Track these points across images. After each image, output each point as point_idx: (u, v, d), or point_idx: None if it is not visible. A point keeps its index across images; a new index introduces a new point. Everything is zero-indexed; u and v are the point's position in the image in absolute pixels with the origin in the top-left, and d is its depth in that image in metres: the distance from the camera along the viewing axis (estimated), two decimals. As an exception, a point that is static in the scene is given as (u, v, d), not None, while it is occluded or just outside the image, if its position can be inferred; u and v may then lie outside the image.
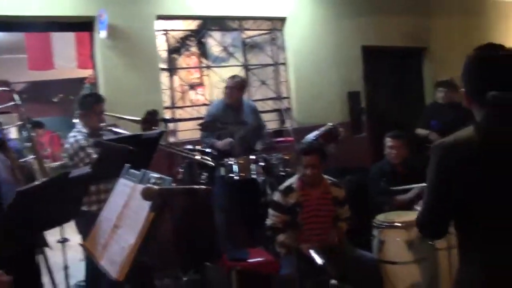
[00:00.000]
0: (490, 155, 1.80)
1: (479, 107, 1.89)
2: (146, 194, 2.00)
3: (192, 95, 7.02)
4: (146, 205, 2.05)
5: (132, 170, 2.48)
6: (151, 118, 4.13)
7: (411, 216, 4.05)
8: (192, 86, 6.50)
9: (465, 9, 8.55)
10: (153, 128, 4.16)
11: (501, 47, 1.92)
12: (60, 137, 10.56)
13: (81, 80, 9.51)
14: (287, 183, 4.21)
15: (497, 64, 1.87)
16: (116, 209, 2.37)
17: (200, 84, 6.99)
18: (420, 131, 6.30)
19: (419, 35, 7.82)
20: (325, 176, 4.24)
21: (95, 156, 3.73)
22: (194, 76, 7.12)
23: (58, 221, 3.09)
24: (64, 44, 7.46)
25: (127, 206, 2.29)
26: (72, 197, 2.85)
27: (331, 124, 5.33)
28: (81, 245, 2.96)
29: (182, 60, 6.39)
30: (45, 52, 7.59)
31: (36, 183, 2.72)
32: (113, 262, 2.14)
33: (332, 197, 4.19)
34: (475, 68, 1.90)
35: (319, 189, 4.18)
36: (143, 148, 3.64)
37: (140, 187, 2.12)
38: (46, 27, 5.72)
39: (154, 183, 2.11)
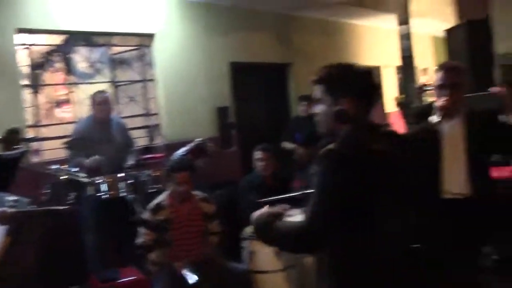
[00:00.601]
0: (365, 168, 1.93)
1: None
2: (0, 218, 1.95)
3: (59, 112, 6.78)
4: (1, 229, 1.99)
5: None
6: (11, 137, 3.95)
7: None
8: (58, 104, 6.27)
9: (323, 30, 9.18)
10: (14, 147, 3.99)
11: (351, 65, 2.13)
12: None
13: None
14: (156, 200, 4.23)
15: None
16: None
17: (67, 101, 6.75)
18: (286, 145, 6.61)
19: (283, 52, 8.22)
20: (195, 192, 4.32)
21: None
22: (61, 92, 6.87)
23: None
24: None
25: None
26: None
27: (199, 139, 5.43)
28: None
29: (48, 76, 6.15)
30: None
31: None
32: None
33: (202, 212, 4.27)
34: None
35: (189, 205, 4.24)
36: (2, 169, 3.48)
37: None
38: None
39: (9, 206, 2.06)
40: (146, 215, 4.17)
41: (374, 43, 10.54)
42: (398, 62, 7.34)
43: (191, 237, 4.19)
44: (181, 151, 5.30)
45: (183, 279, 3.84)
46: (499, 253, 4.59)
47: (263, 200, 4.61)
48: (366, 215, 1.92)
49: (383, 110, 10.11)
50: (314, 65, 8.12)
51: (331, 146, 1.96)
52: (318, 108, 2.13)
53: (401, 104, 7.64)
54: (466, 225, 3.18)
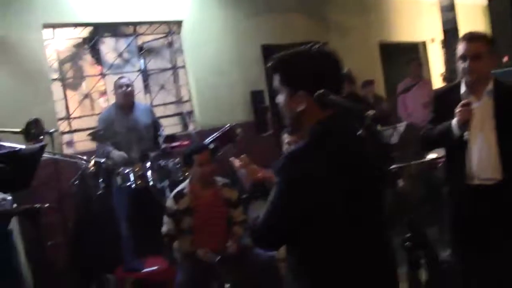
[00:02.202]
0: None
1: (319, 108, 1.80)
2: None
3: (96, 104, 6.87)
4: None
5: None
6: (33, 128, 3.98)
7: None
8: (94, 95, 6.33)
9: (359, 7, 8.85)
10: (38, 139, 4.03)
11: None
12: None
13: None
14: (178, 188, 4.18)
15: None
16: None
17: (103, 93, 6.83)
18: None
19: (318, 32, 7.99)
20: (217, 178, 4.24)
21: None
22: (99, 84, 6.95)
23: None
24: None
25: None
26: None
27: (228, 125, 5.36)
28: None
29: (78, 69, 6.23)
30: None
31: None
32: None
33: (225, 198, 4.19)
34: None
35: (211, 191, 4.17)
36: (21, 164, 3.50)
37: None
38: None
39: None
40: (168, 203, 4.14)
41: (416, 17, 10.09)
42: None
43: (214, 223, 4.12)
44: (210, 137, 5.24)
45: (207, 267, 3.79)
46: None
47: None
48: (339, 212, 1.75)
49: (430, 87, 9.71)
50: (351, 45, 7.93)
51: (298, 143, 1.81)
52: (279, 99, 1.92)
53: (448, 80, 7.35)
54: (499, 213, 2.95)
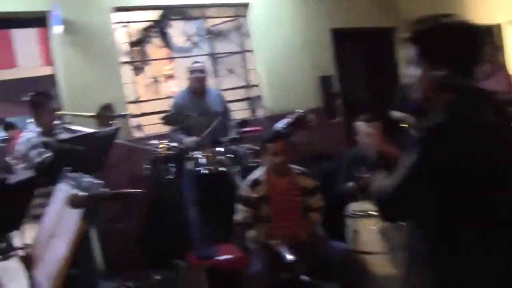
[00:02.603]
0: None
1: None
2: (73, 202, 1.83)
3: (164, 87, 6.81)
4: (75, 213, 1.87)
5: (71, 174, 2.29)
6: (104, 113, 3.94)
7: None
8: (161, 79, 6.26)
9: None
10: (110, 123, 4.00)
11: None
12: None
13: (49, 78, 9.28)
14: (253, 176, 4.04)
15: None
16: (52, 216, 2.19)
17: (171, 76, 6.77)
18: (396, 114, 6.15)
19: (388, 15, 7.65)
20: (292, 166, 4.08)
21: (46, 155, 3.53)
22: (165, 68, 6.90)
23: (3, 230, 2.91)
24: (26, 41, 7.21)
25: (62, 213, 2.11)
26: (15, 204, 2.67)
27: (299, 111, 5.17)
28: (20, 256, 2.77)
29: (147, 52, 6.17)
30: (5, 51, 7.32)
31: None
32: (47, 276, 1.96)
33: (301, 187, 4.02)
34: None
35: (286, 180, 4.02)
36: (97, 146, 3.46)
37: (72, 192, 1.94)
38: (2, 24, 5.48)
39: (83, 189, 1.93)
40: (243, 191, 4.01)
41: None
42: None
43: (289, 213, 3.97)
44: (281, 123, 5.07)
45: (282, 257, 3.64)
46: None
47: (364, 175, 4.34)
48: (472, 196, 1.63)
49: (507, 74, 9.17)
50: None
51: (435, 118, 1.69)
52: (413, 72, 1.80)
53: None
54: None
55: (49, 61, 6.97)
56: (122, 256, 4.62)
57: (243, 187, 4.04)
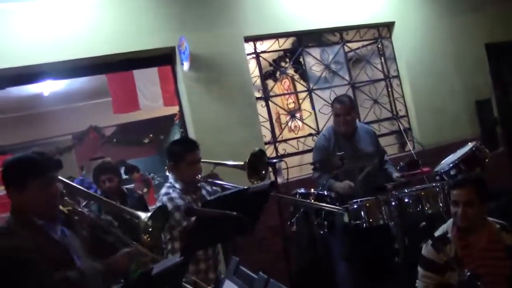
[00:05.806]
0: None
1: None
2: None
3: (294, 124, 6.14)
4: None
5: (242, 269, 1.64)
6: (257, 160, 3.33)
7: None
8: (293, 114, 5.57)
9: None
10: (261, 172, 3.37)
11: None
12: (152, 178, 10.16)
13: (169, 118, 9.03)
14: (439, 231, 3.21)
15: None
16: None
17: (301, 111, 6.08)
18: None
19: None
20: (491, 219, 3.19)
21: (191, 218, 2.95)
22: (289, 102, 6.23)
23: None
24: (148, 82, 7.00)
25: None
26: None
27: (472, 143, 4.27)
28: None
29: (279, 85, 5.56)
30: (129, 93, 7.11)
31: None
32: None
33: (504, 246, 3.12)
34: None
35: (483, 237, 3.13)
36: (249, 206, 2.80)
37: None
38: (125, 66, 5.12)
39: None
40: (426, 251, 3.17)
41: None
42: None
43: (491, 281, 3.06)
44: (449, 160, 4.20)
45: None
46: None
47: None
48: None
49: None
50: None
51: None
52: None
53: None
54: None
55: (170, 102, 6.63)
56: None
57: (426, 246, 3.20)
